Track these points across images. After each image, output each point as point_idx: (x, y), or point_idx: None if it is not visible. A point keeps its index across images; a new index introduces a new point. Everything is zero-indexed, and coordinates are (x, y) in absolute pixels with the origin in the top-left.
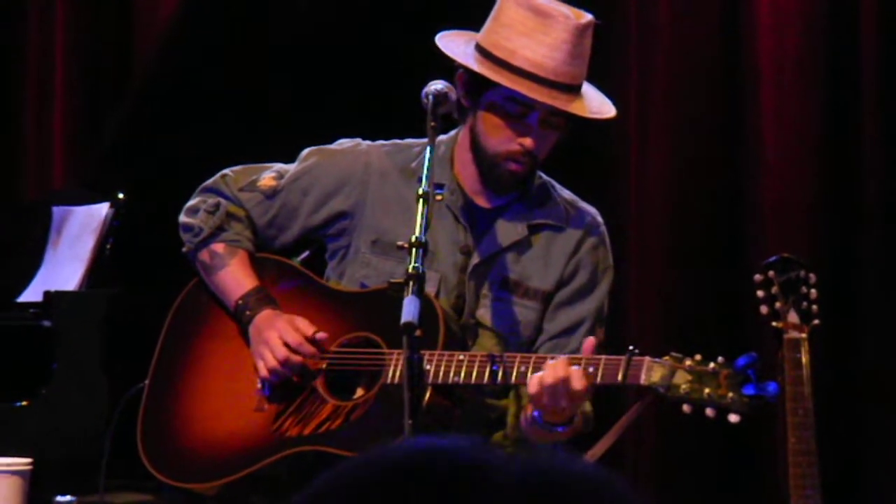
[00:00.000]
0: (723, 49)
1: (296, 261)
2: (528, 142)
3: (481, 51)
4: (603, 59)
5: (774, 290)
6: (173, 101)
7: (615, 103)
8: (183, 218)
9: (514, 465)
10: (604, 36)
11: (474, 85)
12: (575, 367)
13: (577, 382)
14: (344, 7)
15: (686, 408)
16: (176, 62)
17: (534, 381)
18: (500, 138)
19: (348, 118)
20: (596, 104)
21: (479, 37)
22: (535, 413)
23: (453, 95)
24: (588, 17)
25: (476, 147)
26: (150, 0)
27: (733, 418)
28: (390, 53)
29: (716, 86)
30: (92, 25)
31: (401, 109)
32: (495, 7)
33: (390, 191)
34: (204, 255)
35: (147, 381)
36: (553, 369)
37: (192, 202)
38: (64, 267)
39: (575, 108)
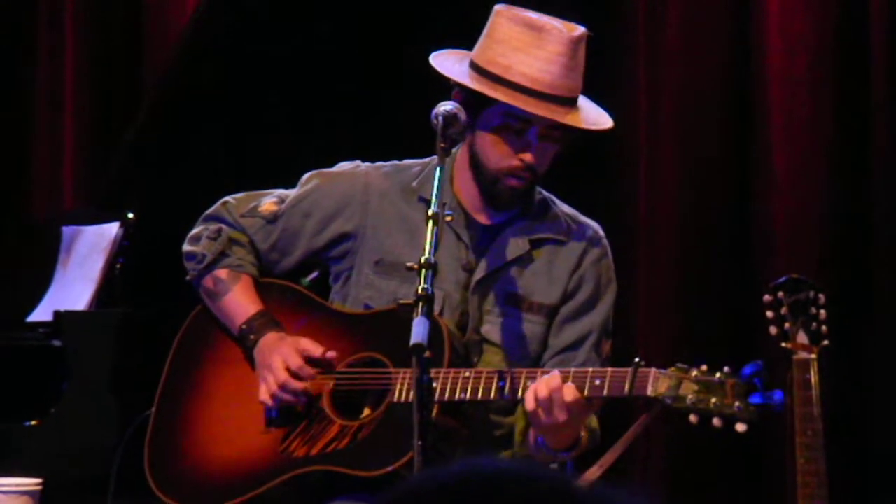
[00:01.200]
0: (732, 65)
1: (305, 282)
2: (528, 157)
3: (476, 68)
4: (612, 74)
5: (783, 310)
6: (184, 119)
7: (625, 120)
8: (186, 247)
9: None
10: (613, 50)
11: (471, 103)
12: (568, 384)
13: (570, 395)
14: (343, 27)
15: (693, 418)
16: (186, 81)
17: (529, 397)
18: (500, 154)
19: (355, 139)
20: (593, 116)
21: (473, 55)
22: (539, 439)
23: (463, 116)
24: (581, 29)
25: (475, 164)
26: (160, 19)
27: (740, 427)
28: (390, 73)
29: (725, 102)
30: (102, 44)
31: (398, 130)
32: (488, 24)
33: (391, 211)
34: (208, 282)
35: (154, 407)
36: (546, 382)
37: (194, 231)
38: (74, 286)
39: (572, 119)
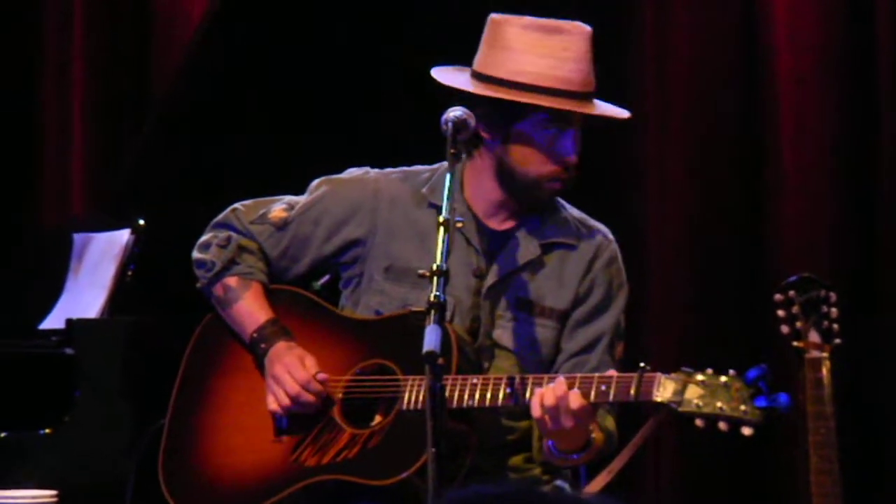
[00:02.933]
0: (740, 66)
1: (316, 285)
2: (572, 159)
3: (501, 82)
4: (620, 76)
5: (795, 309)
6: (193, 126)
7: (634, 121)
8: (195, 254)
9: None
10: (621, 49)
11: (501, 116)
12: (574, 391)
13: (575, 402)
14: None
15: (699, 422)
16: (195, 87)
17: (535, 404)
18: (542, 161)
19: (364, 146)
20: (608, 106)
21: (485, 68)
22: (550, 443)
23: (472, 122)
24: (584, 25)
25: (509, 175)
26: (168, 25)
27: (746, 431)
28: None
29: (733, 103)
30: (110, 51)
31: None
32: (493, 36)
33: (401, 217)
34: (218, 290)
35: (167, 416)
36: (552, 390)
37: (203, 238)
38: (85, 294)
39: (610, 112)
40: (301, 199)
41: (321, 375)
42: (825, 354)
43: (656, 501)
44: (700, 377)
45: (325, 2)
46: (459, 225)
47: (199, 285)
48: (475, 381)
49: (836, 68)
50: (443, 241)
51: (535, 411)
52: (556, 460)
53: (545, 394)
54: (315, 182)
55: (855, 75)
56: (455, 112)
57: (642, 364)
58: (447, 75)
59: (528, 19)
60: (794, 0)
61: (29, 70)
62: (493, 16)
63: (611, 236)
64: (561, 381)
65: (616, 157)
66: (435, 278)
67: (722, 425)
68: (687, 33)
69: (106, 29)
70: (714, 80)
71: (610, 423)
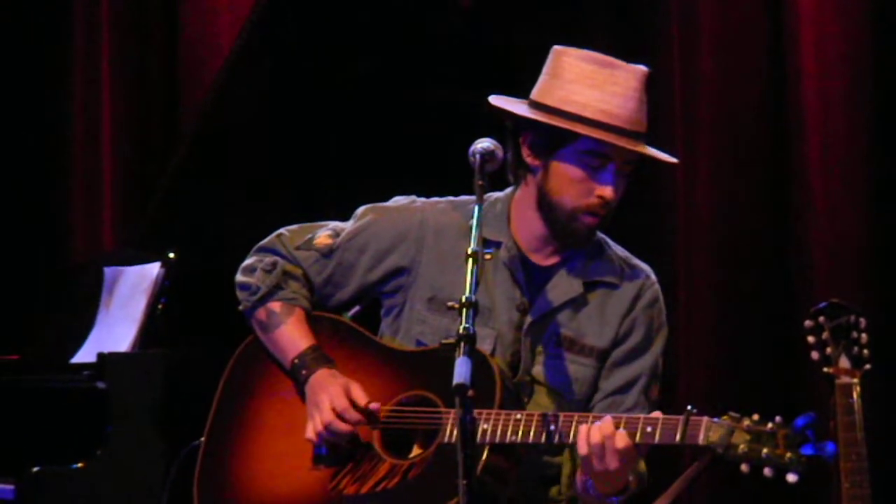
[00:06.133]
0: (768, 91)
1: (346, 316)
2: (608, 192)
3: (548, 109)
4: (649, 103)
5: (825, 335)
6: (223, 158)
7: (661, 148)
8: (240, 277)
9: None
10: (649, 81)
11: (545, 143)
12: (620, 431)
13: (621, 442)
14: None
15: (744, 467)
16: (224, 119)
17: (581, 442)
18: (578, 192)
19: (399, 176)
20: (655, 150)
21: (538, 96)
22: (589, 482)
23: (500, 153)
24: (643, 67)
25: (547, 205)
26: (197, 54)
27: (791, 478)
28: (438, 112)
29: (761, 129)
30: (139, 82)
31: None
32: (551, 65)
33: (447, 248)
34: (261, 314)
35: (203, 439)
36: (599, 429)
37: (248, 261)
38: (116, 328)
39: (655, 154)
40: (346, 226)
41: (374, 405)
42: (856, 380)
43: None
44: (746, 423)
45: (365, 25)
46: (488, 257)
47: (241, 307)
48: (518, 416)
49: (864, 90)
50: (471, 274)
51: (582, 448)
52: (592, 500)
53: (592, 431)
54: (361, 209)
55: (882, 102)
56: (483, 143)
57: (689, 407)
58: (502, 101)
59: (586, 52)
60: (821, 27)
61: (58, 103)
62: (556, 47)
63: (653, 277)
64: (608, 421)
65: (643, 186)
66: (464, 310)
67: (767, 472)
68: (713, 59)
69: (134, 59)
70: (741, 106)
71: (641, 465)
